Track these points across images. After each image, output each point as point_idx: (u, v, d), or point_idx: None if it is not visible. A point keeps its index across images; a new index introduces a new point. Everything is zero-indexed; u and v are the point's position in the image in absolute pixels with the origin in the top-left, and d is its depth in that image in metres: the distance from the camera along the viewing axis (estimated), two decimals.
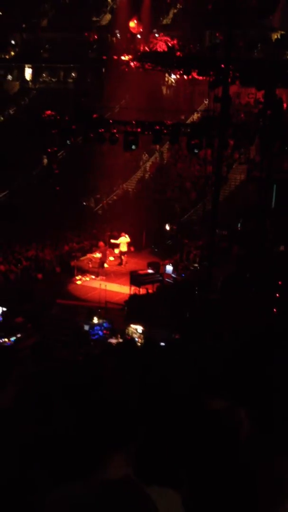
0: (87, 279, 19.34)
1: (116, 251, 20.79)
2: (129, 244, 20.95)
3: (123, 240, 20.44)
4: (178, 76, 27.55)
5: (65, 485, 1.83)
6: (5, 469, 2.32)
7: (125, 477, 1.76)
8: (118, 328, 14.36)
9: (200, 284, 15.48)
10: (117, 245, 20.59)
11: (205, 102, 27.18)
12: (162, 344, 9.08)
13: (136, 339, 13.22)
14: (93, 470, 1.80)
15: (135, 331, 13.93)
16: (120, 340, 13.19)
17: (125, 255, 20.71)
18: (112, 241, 20.72)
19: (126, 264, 20.44)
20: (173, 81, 29.34)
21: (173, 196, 25.31)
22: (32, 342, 12.48)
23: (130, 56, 26.46)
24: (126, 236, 20.49)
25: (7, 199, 26.05)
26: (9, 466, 2.35)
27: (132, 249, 22.01)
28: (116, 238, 20.67)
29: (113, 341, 13.47)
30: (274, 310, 13.72)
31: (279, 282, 15.05)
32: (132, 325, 14.09)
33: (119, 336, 13.79)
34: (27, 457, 2.44)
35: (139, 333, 13.86)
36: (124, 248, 20.48)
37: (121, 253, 20.55)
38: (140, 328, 13.91)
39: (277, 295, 14.56)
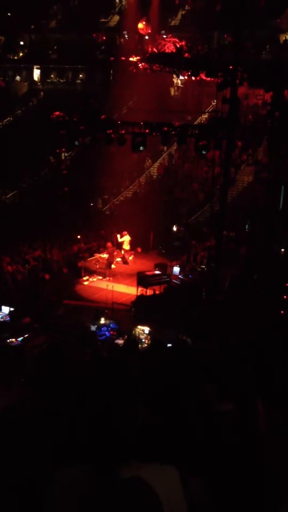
0: (94, 279, 19.37)
1: (123, 251, 20.96)
2: (132, 244, 21.17)
3: (125, 239, 20.59)
4: (186, 77, 27.55)
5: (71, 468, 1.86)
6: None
7: (134, 476, 1.78)
8: (125, 329, 14.37)
9: (207, 286, 15.47)
10: (121, 244, 20.83)
11: (213, 103, 27.19)
12: (169, 345, 9.07)
13: (143, 340, 13.23)
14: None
15: (142, 332, 13.93)
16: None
17: (128, 253, 20.93)
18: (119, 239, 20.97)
19: (130, 260, 20.74)
20: (181, 82, 29.34)
21: (181, 197, 25.32)
22: (39, 342, 12.54)
23: (139, 57, 26.49)
24: (127, 235, 20.67)
25: (15, 199, 26.14)
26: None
27: (139, 250, 22.08)
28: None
29: (120, 342, 13.49)
30: (282, 312, 13.69)
31: (287, 284, 15.01)
32: (139, 326, 14.09)
33: (126, 337, 13.79)
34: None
35: (146, 334, 13.86)
36: (126, 246, 20.71)
37: (125, 251, 20.73)
38: (147, 329, 13.91)
39: (285, 297, 14.52)
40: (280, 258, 18.25)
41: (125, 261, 20.81)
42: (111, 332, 14.36)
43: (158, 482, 1.80)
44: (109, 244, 20.69)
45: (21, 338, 12.83)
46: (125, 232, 20.80)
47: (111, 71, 29.61)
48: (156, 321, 14.36)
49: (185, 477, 2.00)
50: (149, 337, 13.82)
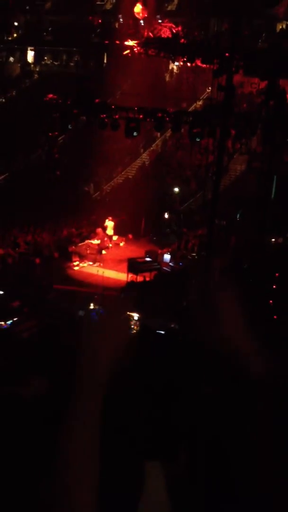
0: (85, 265, 19.34)
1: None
2: (124, 230, 21.32)
3: (109, 224, 20.68)
4: (181, 63, 27.35)
5: None
6: None
7: None
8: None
9: (198, 274, 15.49)
10: (105, 229, 20.95)
11: (207, 90, 27.04)
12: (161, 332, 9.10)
13: (132, 326, 13.26)
14: None
15: (131, 318, 13.97)
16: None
17: (113, 238, 21.01)
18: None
19: (115, 245, 20.81)
20: (176, 68, 29.12)
21: (173, 184, 25.25)
22: (29, 326, 12.53)
23: (136, 42, 26.25)
24: (111, 220, 20.83)
25: (6, 182, 25.93)
26: None
27: (130, 236, 22.07)
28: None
29: None
30: (270, 302, 13.76)
31: (276, 274, 15.07)
32: (128, 312, 14.13)
33: None
34: None
35: (135, 320, 13.89)
36: (110, 231, 20.84)
37: (108, 236, 20.82)
38: (136, 316, 13.94)
39: (274, 286, 14.59)
40: (270, 248, 18.31)
41: (110, 247, 20.94)
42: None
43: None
44: (99, 229, 20.67)
45: (10, 321, 12.82)
46: (110, 217, 20.92)
47: (106, 55, 29.30)
48: (146, 308, 14.39)
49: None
50: (138, 323, 13.86)
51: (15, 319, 12.95)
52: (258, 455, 1.96)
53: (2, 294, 14.53)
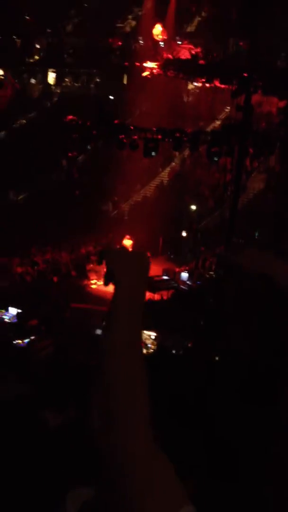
0: (102, 283, 19.39)
1: None
2: (141, 248, 21.27)
3: (127, 243, 20.73)
4: (200, 84, 27.59)
5: None
6: None
7: None
8: None
9: (216, 293, 15.41)
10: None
11: (226, 110, 27.17)
12: (174, 351, 9.08)
13: (149, 345, 13.21)
14: None
15: (148, 337, 13.92)
16: None
17: None
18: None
19: None
20: (194, 88, 29.37)
21: (191, 203, 25.30)
22: (46, 344, 12.56)
23: (157, 64, 26.62)
24: (129, 239, 20.87)
25: (26, 202, 26.25)
26: None
27: (148, 254, 22.03)
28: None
29: None
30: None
31: None
32: (145, 331, 14.09)
33: None
34: None
35: (152, 339, 13.84)
36: None
37: None
38: (153, 334, 13.89)
39: None
40: None
41: None
42: None
43: None
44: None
45: (28, 340, 12.86)
46: (128, 236, 20.98)
47: (125, 76, 29.68)
48: (163, 326, 14.34)
49: None
50: (155, 342, 13.80)
51: (32, 337, 13.00)
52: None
53: (20, 312, 14.62)
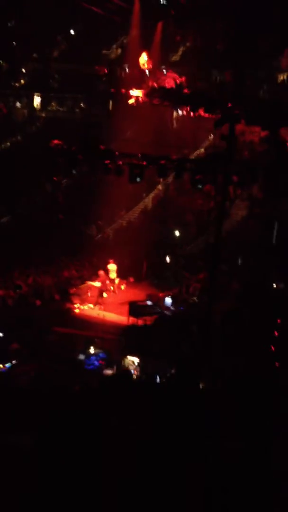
0: (86, 307, 19.30)
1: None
2: (125, 273, 21.40)
3: (111, 268, 20.73)
4: (185, 112, 28.03)
5: None
6: None
7: None
8: (114, 359, 14.27)
9: (198, 318, 15.45)
10: (108, 272, 20.99)
11: (210, 137, 27.60)
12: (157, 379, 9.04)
13: (132, 371, 13.13)
14: None
15: (131, 363, 13.85)
16: (116, 372, 13.10)
17: (119, 282, 21.01)
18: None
19: (122, 289, 20.86)
20: (178, 115, 29.83)
21: (174, 228, 25.44)
22: (28, 369, 12.41)
23: (142, 91, 27.02)
24: (113, 263, 20.99)
25: (9, 224, 26.15)
26: None
27: (131, 279, 22.09)
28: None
29: (109, 372, 13.38)
30: (272, 348, 13.67)
31: (278, 320, 15.02)
32: (128, 357, 14.01)
33: (115, 367, 13.69)
34: None
35: (136, 365, 13.77)
36: (112, 275, 20.88)
37: (110, 279, 20.85)
38: (136, 360, 13.83)
39: (276, 333, 14.51)
40: (272, 293, 18.30)
41: (113, 290, 20.90)
42: (100, 362, 14.26)
43: None
44: (101, 272, 20.70)
45: (9, 364, 12.71)
46: (111, 260, 21.01)
47: (110, 102, 30.06)
48: (146, 352, 14.28)
49: None
50: (138, 368, 13.73)
51: (13, 362, 12.85)
52: None
53: (1, 336, 14.46)
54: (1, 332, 14.61)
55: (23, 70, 34.72)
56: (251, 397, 3.99)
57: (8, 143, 31.49)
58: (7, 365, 12.73)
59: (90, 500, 1.96)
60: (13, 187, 24.70)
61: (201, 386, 6.79)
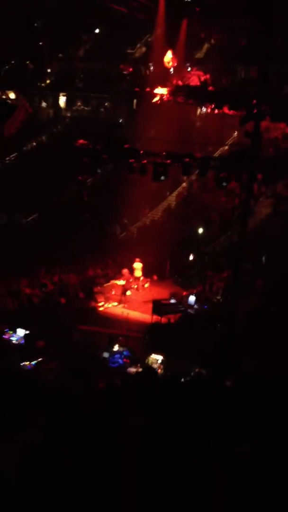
0: (110, 305, 19.43)
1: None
2: (149, 271, 21.48)
3: (137, 266, 20.87)
4: (209, 110, 27.95)
5: None
6: None
7: None
8: (138, 357, 14.35)
9: (223, 318, 15.42)
10: (133, 271, 21.13)
11: (234, 135, 27.47)
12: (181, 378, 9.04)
13: (156, 369, 13.17)
14: None
15: (155, 361, 13.90)
16: (140, 370, 13.17)
17: (143, 281, 21.10)
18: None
19: (146, 287, 20.89)
20: (203, 113, 29.75)
21: (198, 226, 25.40)
22: (53, 366, 12.57)
23: (167, 89, 27.04)
24: (139, 262, 21.12)
25: (35, 223, 26.47)
26: None
27: (155, 277, 22.16)
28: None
29: (133, 370, 13.46)
30: None
31: None
32: (152, 355, 14.07)
33: (139, 365, 13.76)
34: None
35: (159, 363, 13.82)
36: (138, 273, 20.98)
37: (135, 278, 20.95)
38: (160, 358, 13.88)
39: None
40: None
41: (137, 289, 21.01)
42: (124, 360, 14.34)
43: None
44: (125, 270, 20.83)
45: (35, 362, 12.88)
46: (138, 259, 21.11)
47: (135, 101, 30.13)
48: (170, 350, 14.32)
49: None
50: (162, 366, 13.77)
51: (39, 359, 13.02)
52: None
53: (27, 334, 14.66)
54: (28, 329, 14.81)
55: (49, 70, 35.00)
56: (275, 398, 3.99)
57: (34, 143, 31.85)
58: (33, 362, 12.90)
59: (108, 498, 2.01)
60: (38, 186, 24.98)
61: (225, 385, 6.81)
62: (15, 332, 14.72)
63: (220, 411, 4.04)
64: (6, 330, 14.76)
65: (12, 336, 14.63)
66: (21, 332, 14.69)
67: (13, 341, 14.49)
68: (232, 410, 3.87)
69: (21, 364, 12.59)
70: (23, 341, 14.49)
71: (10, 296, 17.91)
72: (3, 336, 14.58)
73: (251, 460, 2.57)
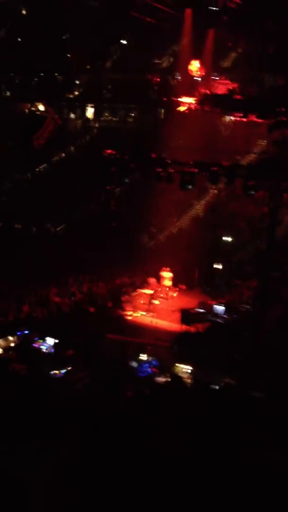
0: (138, 314, 19.48)
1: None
2: (177, 280, 21.46)
3: (166, 275, 20.95)
4: (237, 118, 27.91)
5: None
6: None
7: None
8: (166, 366, 14.32)
9: (252, 327, 15.31)
10: (162, 280, 21.15)
11: (262, 143, 27.32)
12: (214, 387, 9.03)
13: (185, 379, 13.13)
14: None
15: (183, 370, 13.86)
16: (168, 379, 13.15)
17: (171, 290, 21.16)
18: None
19: (174, 296, 20.86)
20: (230, 121, 29.70)
21: (226, 235, 25.31)
22: (82, 376, 12.66)
23: (194, 98, 27.13)
24: (168, 271, 21.17)
25: (65, 232, 26.80)
26: None
27: (183, 287, 22.13)
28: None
29: (162, 379, 13.44)
30: None
31: None
32: (181, 364, 14.03)
33: (168, 374, 13.73)
34: None
35: (188, 373, 13.77)
36: (168, 282, 20.99)
37: (164, 288, 20.96)
38: (189, 368, 13.83)
39: None
40: None
41: (165, 298, 20.98)
42: (153, 369, 14.33)
43: None
44: (152, 279, 20.88)
45: (64, 370, 12.99)
46: (166, 268, 21.15)
47: (162, 111, 30.29)
48: (199, 360, 14.26)
49: None
50: (190, 376, 13.72)
51: (69, 368, 13.12)
52: None
53: (57, 342, 14.80)
54: (57, 338, 14.95)
55: (77, 82, 35.50)
56: None
57: (63, 154, 32.30)
58: (63, 371, 13.01)
59: (141, 501, 2.05)
60: (67, 196, 25.31)
61: (253, 395, 6.78)
62: (44, 341, 14.87)
63: (249, 420, 4.05)
64: (36, 338, 14.92)
65: (42, 345, 14.79)
66: (50, 341, 14.83)
67: (43, 350, 14.63)
68: (262, 420, 3.87)
69: (51, 372, 12.71)
70: (52, 350, 14.63)
71: (40, 305, 18.13)
72: (33, 345, 14.75)
73: (283, 469, 2.58)
